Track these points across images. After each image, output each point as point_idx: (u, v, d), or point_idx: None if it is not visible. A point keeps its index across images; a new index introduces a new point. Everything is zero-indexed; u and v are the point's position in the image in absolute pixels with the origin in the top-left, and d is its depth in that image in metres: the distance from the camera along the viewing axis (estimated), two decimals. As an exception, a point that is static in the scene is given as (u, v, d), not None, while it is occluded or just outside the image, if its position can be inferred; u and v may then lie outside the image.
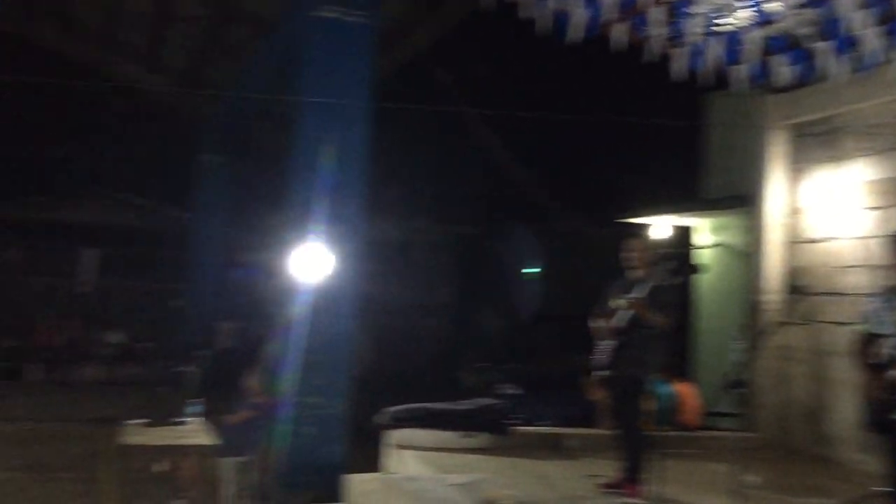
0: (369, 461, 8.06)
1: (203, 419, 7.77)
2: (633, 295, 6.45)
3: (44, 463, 9.30)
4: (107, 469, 8.95)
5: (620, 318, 6.50)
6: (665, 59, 6.92)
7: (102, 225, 21.05)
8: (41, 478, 8.63)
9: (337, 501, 7.23)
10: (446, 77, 13.00)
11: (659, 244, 10.58)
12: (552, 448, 8.49)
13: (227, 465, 7.80)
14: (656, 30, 6.64)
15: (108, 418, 11.53)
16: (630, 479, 6.47)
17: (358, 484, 6.85)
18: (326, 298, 8.19)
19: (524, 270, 19.46)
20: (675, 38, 6.85)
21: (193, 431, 7.46)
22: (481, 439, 8.22)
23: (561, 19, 6.48)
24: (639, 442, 6.55)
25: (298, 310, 8.29)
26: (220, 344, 16.28)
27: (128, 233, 21.03)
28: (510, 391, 10.08)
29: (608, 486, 6.66)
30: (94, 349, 17.78)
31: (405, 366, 15.76)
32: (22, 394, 14.76)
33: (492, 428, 8.32)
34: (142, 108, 19.37)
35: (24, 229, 21.13)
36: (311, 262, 8.10)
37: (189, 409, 7.82)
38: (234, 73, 14.10)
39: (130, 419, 7.76)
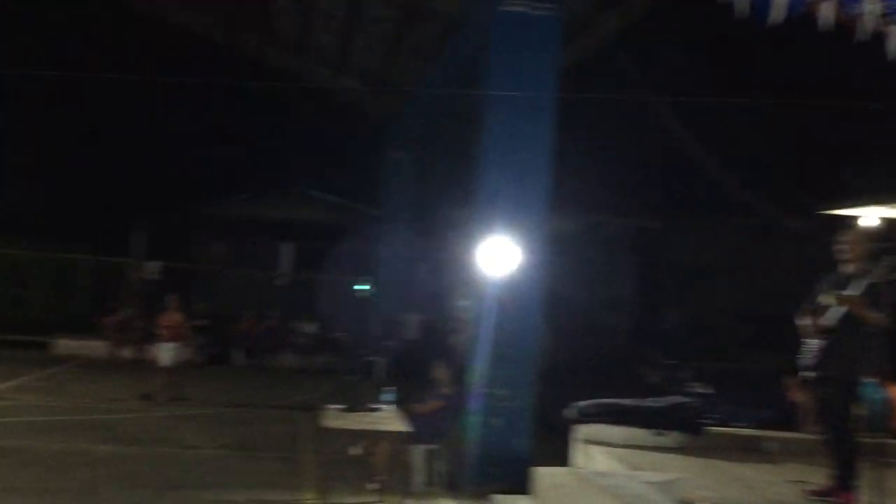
0: (555, 455, 8.03)
1: (396, 407, 8.02)
2: (847, 291, 6.00)
3: (249, 442, 9.97)
4: (306, 450, 9.47)
5: (831, 316, 6.05)
6: (878, 37, 6.40)
7: (297, 221, 22.38)
8: (247, 456, 9.25)
9: (525, 494, 7.24)
10: (633, 66, 12.68)
11: (876, 237, 9.80)
12: (749, 450, 8.09)
13: (418, 453, 8.03)
14: (869, 6, 6.15)
15: (307, 403, 12.25)
16: (842, 487, 6.03)
17: (546, 477, 6.81)
18: (513, 292, 8.25)
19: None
20: (892, 15, 6.31)
21: (387, 418, 7.71)
22: (673, 438, 7.97)
23: (761, 0, 6.14)
24: (850, 448, 6.09)
25: (485, 303, 8.40)
26: (406, 335, 16.84)
27: (320, 228, 22.22)
28: (701, 390, 9.73)
29: (816, 492, 6.24)
30: (290, 338, 18.90)
31: (587, 361, 15.57)
32: (227, 378, 15.96)
33: (684, 427, 8.05)
34: (333, 109, 20.31)
35: (226, 225, 22.84)
36: (498, 256, 8.18)
37: (383, 397, 8.09)
38: (422, 71, 14.46)
39: (326, 405, 8.12)
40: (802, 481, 6.64)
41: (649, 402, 8.34)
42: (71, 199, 22.61)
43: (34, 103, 20.17)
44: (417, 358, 12.00)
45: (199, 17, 17.61)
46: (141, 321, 16.60)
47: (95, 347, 17.32)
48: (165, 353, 12.25)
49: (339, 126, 21.66)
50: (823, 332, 6.09)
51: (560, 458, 8.02)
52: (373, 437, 7.64)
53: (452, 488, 8.01)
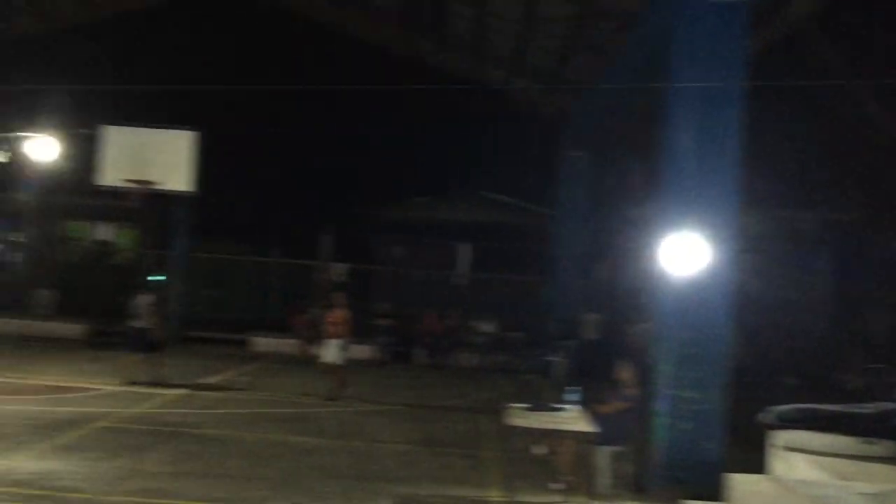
0: (748, 461, 7.64)
1: (580, 407, 7.92)
2: None
3: (436, 438, 10.21)
4: (490, 447, 9.58)
5: None
6: None
7: (474, 221, 22.79)
8: (433, 452, 9.47)
9: (717, 500, 6.94)
10: (830, 50, 11.85)
11: None
12: (973, 464, 7.37)
13: (603, 454, 7.88)
14: None
15: (488, 401, 12.40)
16: None
17: (742, 484, 6.49)
18: (701, 290, 7.93)
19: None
20: None
21: (572, 418, 7.64)
22: (884, 447, 7.37)
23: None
24: None
25: (671, 301, 8.14)
26: (585, 335, 16.65)
27: (496, 228, 22.50)
28: (915, 396, 8.95)
29: None
30: (468, 337, 19.18)
31: (780, 364, 14.77)
32: (411, 376, 16.43)
33: (898, 436, 7.44)
34: (508, 111, 20.44)
35: (407, 227, 23.58)
36: (684, 253, 7.90)
37: (567, 396, 8.01)
38: (598, 69, 14.25)
39: (508, 403, 8.15)
40: None
41: (857, 408, 7.76)
42: (266, 205, 24.10)
43: (225, 117, 21.60)
44: (599, 358, 11.83)
45: (377, 28, 18.29)
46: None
47: (288, 345, 18.36)
48: (331, 349, 12.48)
49: (515, 128, 21.80)
50: None
51: (754, 464, 7.64)
52: (557, 437, 7.58)
53: (639, 491, 7.83)
